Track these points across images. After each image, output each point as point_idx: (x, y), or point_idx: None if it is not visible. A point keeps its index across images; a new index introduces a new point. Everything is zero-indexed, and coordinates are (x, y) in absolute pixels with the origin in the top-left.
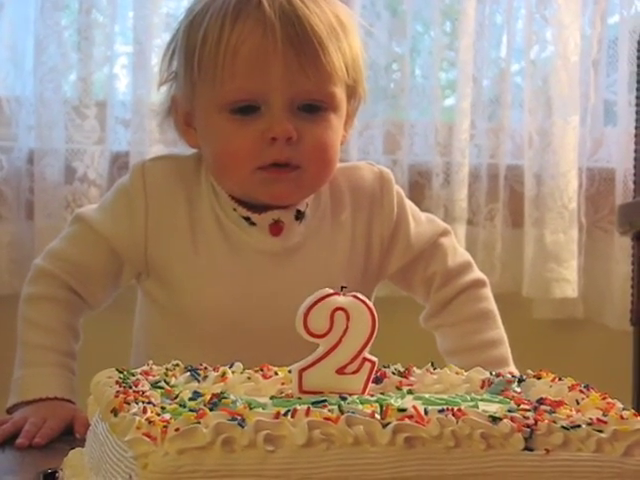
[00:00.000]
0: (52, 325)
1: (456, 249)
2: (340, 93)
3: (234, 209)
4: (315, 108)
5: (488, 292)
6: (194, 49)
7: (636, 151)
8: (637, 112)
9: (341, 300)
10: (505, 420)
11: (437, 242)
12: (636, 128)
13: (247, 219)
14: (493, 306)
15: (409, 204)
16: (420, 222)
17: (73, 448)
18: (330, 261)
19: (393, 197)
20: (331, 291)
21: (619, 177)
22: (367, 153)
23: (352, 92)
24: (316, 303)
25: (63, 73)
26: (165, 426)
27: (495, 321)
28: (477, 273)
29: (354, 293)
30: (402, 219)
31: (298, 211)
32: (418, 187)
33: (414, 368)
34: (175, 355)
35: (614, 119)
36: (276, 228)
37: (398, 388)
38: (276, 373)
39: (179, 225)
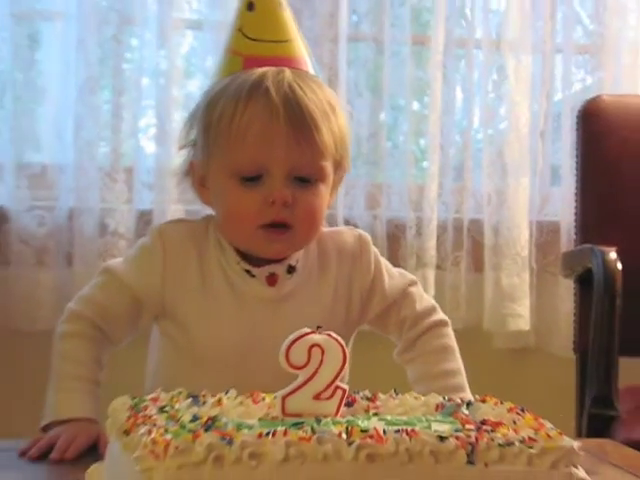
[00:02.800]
0: (82, 358)
1: (422, 296)
2: (329, 167)
3: (237, 262)
4: (308, 180)
5: (450, 331)
6: (210, 125)
7: (577, 207)
8: (577, 174)
9: (317, 338)
10: (451, 438)
11: (407, 291)
12: (576, 188)
13: (248, 272)
14: (453, 342)
15: (383, 261)
16: (393, 276)
17: (97, 462)
18: (315, 308)
19: (371, 256)
20: (309, 330)
21: (563, 229)
22: (352, 209)
23: (338, 165)
24: (296, 340)
25: (98, 144)
26: (167, 445)
27: (454, 354)
28: (440, 315)
29: (328, 332)
30: (378, 275)
31: (290, 266)
32: (394, 238)
33: (379, 394)
34: (184, 384)
35: (559, 180)
36: (272, 279)
37: (366, 411)
38: (264, 399)
39: (191, 277)
